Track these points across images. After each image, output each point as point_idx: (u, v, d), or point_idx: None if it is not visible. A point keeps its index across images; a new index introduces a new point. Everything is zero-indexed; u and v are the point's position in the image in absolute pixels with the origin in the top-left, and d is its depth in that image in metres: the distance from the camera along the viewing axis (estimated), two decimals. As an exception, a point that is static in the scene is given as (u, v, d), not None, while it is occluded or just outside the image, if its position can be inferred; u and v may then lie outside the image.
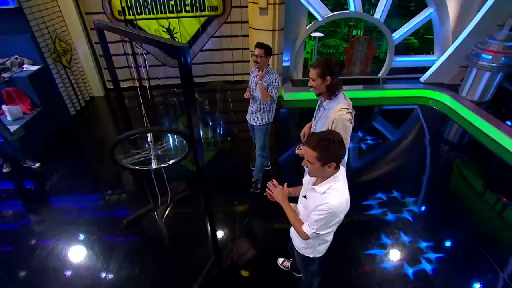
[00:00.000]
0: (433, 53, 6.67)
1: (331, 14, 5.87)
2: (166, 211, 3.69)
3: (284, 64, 6.30)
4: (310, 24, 6.00)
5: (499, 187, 4.15)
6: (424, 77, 6.35)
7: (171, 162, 2.91)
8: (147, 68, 6.38)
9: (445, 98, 5.91)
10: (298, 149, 2.76)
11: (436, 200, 3.86)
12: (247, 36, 6.20)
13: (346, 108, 2.40)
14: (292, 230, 2.29)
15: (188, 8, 5.94)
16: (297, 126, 5.47)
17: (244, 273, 3.01)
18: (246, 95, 3.53)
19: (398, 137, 5.24)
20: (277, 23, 5.42)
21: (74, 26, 5.61)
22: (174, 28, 6.08)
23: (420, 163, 4.53)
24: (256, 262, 3.06)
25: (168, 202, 3.61)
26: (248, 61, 6.58)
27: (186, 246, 3.30)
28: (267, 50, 3.20)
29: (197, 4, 5.92)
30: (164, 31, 6.10)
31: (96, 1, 5.70)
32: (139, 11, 5.88)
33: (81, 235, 3.44)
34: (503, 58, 5.14)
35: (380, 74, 6.73)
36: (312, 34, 6.27)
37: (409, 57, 6.76)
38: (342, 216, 1.84)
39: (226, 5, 6.00)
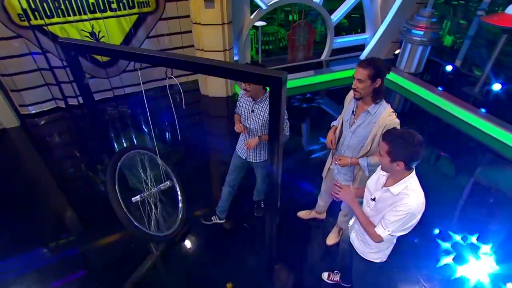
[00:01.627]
0: (360, 32, 7.10)
1: (275, 1, 5.64)
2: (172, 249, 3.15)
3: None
4: (254, 13, 5.69)
5: (436, 141, 4.87)
6: (363, 55, 6.71)
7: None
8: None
9: (393, 76, 6.38)
10: (337, 160, 2.57)
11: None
12: (188, 32, 5.56)
13: (394, 112, 2.26)
14: (352, 236, 2.23)
15: (113, 5, 4.97)
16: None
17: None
18: (237, 129, 2.79)
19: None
20: (225, 16, 4.95)
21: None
22: (99, 32, 5.06)
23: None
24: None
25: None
26: (193, 60, 5.98)
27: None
28: None
29: (124, 1, 5.00)
30: (88, 36, 5.03)
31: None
32: (49, 13, 4.67)
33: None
34: (431, 33, 5.72)
35: (323, 57, 6.87)
36: (255, 24, 5.97)
37: (347, 37, 7.03)
38: (419, 217, 1.78)
39: (159, 0, 5.22)
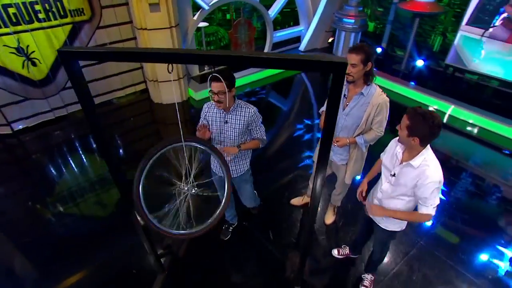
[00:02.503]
0: (292, 25, 7.53)
1: (217, 0, 5.61)
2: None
3: (181, 62, 5.72)
4: (197, 14, 5.58)
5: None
6: (302, 46, 7.13)
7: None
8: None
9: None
10: (335, 142, 2.71)
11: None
12: (132, 39, 5.21)
13: (383, 92, 2.52)
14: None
15: (41, 15, 4.37)
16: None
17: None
18: (203, 134, 2.47)
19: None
20: (172, 19, 4.77)
21: None
22: (28, 46, 4.41)
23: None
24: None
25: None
26: (139, 68, 5.62)
27: None
28: (230, 81, 2.29)
29: (54, 9, 4.43)
30: (14, 53, 4.34)
31: None
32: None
33: None
34: (360, 20, 6.37)
35: (265, 52, 7.08)
36: (199, 25, 5.86)
37: (284, 31, 7.35)
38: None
39: (95, 7, 4.75)
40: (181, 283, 2.95)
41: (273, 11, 6.67)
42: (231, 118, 2.48)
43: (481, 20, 5.13)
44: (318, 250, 3.22)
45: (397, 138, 2.11)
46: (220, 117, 2.50)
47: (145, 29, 4.74)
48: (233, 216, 3.34)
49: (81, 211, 3.70)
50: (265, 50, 7.07)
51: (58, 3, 4.46)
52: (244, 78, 6.24)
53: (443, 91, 5.57)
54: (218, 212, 2.32)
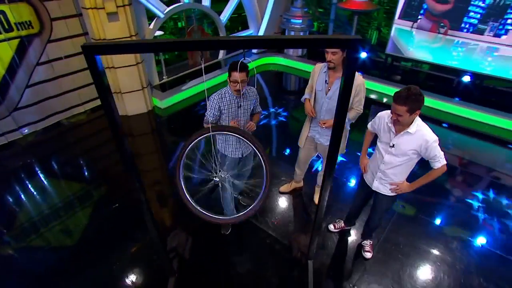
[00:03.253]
0: (241, 29, 7.83)
1: (171, 8, 5.63)
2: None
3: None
4: (153, 23, 5.54)
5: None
6: (255, 48, 7.43)
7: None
8: None
9: (281, 60, 7.29)
10: (323, 124, 2.98)
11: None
12: (87, 51, 4.97)
13: (359, 74, 2.86)
14: (376, 185, 2.66)
15: (-17, 31, 4.00)
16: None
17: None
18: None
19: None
20: (132, 28, 4.70)
21: None
22: (-29, 66, 3.99)
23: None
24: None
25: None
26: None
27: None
28: (248, 71, 2.63)
29: (-2, 23, 4.08)
30: (-45, 74, 3.89)
31: None
32: None
33: None
34: (307, 20, 6.89)
35: (220, 57, 7.24)
36: (155, 34, 5.80)
37: (235, 35, 7.58)
38: None
39: (44, 19, 4.47)
40: (194, 283, 2.95)
41: (225, 16, 6.87)
42: (244, 102, 2.79)
43: (410, 14, 5.95)
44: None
45: (383, 115, 2.46)
46: (234, 103, 2.78)
47: (104, 39, 4.59)
48: (232, 211, 3.43)
49: (47, 242, 3.37)
50: (220, 55, 7.25)
51: (1, 16, 4.12)
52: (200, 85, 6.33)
53: (385, 77, 6.33)
54: (262, 192, 2.45)
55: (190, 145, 2.34)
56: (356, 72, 2.83)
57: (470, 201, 3.83)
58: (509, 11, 5.12)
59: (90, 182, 4.20)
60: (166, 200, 3.91)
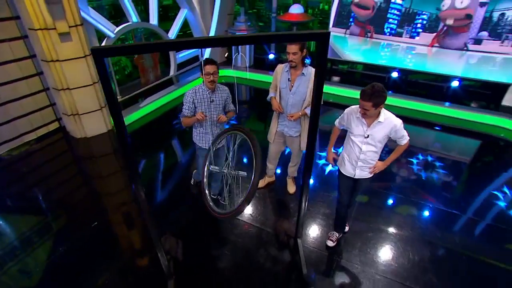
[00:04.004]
0: None
1: (120, 27, 5.67)
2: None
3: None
4: (104, 42, 5.51)
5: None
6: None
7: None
8: None
9: (230, 72, 7.63)
10: (291, 117, 3.34)
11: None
12: (36, 75, 4.76)
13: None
14: (358, 172, 2.88)
15: None
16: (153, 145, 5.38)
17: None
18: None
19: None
20: (86, 48, 4.65)
21: None
22: None
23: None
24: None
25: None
26: (50, 105, 5.12)
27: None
28: (217, 66, 3.05)
29: None
30: None
31: None
32: None
33: None
34: (252, 30, 7.41)
35: (171, 73, 7.35)
36: (106, 53, 5.74)
37: (184, 51, 7.77)
38: None
39: (-14, 43, 4.22)
40: (192, 283, 3.03)
41: (173, 34, 7.06)
42: (216, 97, 3.10)
43: (341, 22, 6.80)
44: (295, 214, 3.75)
45: (351, 110, 2.74)
46: (206, 98, 3.11)
47: (57, 60, 4.47)
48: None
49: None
50: (171, 72, 7.37)
51: None
52: (159, 101, 6.41)
53: (327, 80, 7.07)
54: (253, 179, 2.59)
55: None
56: (311, 68, 3.30)
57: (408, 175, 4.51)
58: (417, 17, 6.18)
59: (49, 213, 3.94)
60: (133, 222, 3.77)
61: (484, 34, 5.79)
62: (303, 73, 3.25)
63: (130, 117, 5.78)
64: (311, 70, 3.27)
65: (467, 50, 6.02)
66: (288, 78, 3.34)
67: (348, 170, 2.94)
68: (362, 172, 2.90)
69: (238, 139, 2.72)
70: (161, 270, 2.83)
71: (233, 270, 3.14)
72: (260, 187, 4.17)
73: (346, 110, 2.80)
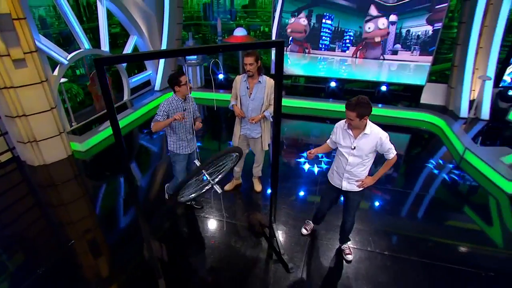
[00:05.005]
0: (137, 72, 8.31)
1: (73, 54, 5.73)
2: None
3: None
4: (57, 70, 5.51)
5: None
6: (157, 87, 8.02)
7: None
8: None
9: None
10: (252, 121, 3.80)
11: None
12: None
13: (270, 78, 3.81)
14: (345, 185, 2.97)
15: None
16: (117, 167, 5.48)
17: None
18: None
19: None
20: (42, 74, 4.68)
21: None
22: None
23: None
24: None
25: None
26: (2, 134, 4.94)
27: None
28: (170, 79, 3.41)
29: None
30: None
31: None
32: None
33: None
34: (201, 56, 7.88)
35: (125, 98, 7.44)
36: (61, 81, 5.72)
37: (136, 76, 7.92)
38: None
39: None
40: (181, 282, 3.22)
41: (124, 59, 7.22)
42: (188, 106, 3.46)
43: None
44: (265, 208, 4.16)
45: (340, 124, 2.88)
46: (180, 107, 3.45)
47: (11, 87, 4.43)
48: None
49: None
50: (125, 97, 7.47)
51: None
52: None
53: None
54: None
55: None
56: (266, 76, 3.83)
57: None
58: (345, 34, 7.22)
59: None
60: (100, 249, 3.69)
61: (398, 46, 7.00)
62: (259, 81, 3.75)
63: (94, 139, 5.79)
64: (266, 78, 3.79)
65: (384, 59, 7.19)
66: (247, 87, 3.81)
67: (335, 181, 3.05)
68: (348, 185, 2.97)
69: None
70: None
71: (217, 262, 3.40)
72: (229, 190, 4.50)
73: (336, 124, 2.94)
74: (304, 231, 3.73)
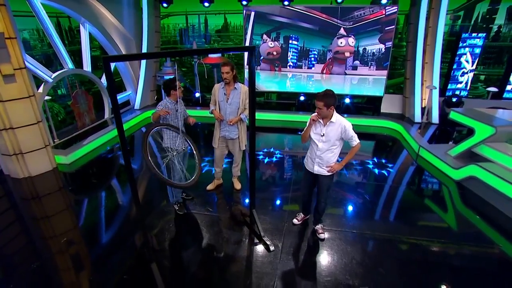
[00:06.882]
0: (125, 90, 8.67)
1: (58, 73, 6.04)
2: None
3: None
4: (41, 87, 5.78)
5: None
6: (137, 105, 8.35)
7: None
8: None
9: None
10: (231, 123, 4.29)
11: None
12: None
13: (244, 85, 4.36)
14: (317, 169, 3.40)
15: None
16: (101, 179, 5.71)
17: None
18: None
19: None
20: (30, 89, 4.95)
21: None
22: None
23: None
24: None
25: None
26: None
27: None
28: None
29: None
30: None
31: None
32: None
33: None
34: (179, 76, 8.38)
35: (106, 116, 7.72)
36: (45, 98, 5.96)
37: (120, 94, 8.25)
38: None
39: None
40: (173, 267, 3.50)
41: (105, 80, 7.57)
42: (179, 108, 3.87)
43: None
44: (245, 201, 4.55)
45: (312, 116, 3.21)
46: (174, 108, 3.87)
47: (0, 101, 4.66)
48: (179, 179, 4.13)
49: None
50: (106, 115, 7.74)
51: None
52: (102, 138, 6.73)
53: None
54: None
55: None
56: (241, 83, 4.37)
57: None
58: (310, 53, 8.05)
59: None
60: (83, 263, 3.65)
61: (357, 62, 7.89)
62: (235, 88, 4.27)
63: (78, 153, 6.01)
64: (241, 85, 4.32)
65: (346, 74, 8.04)
66: (224, 93, 4.32)
67: (309, 165, 3.49)
68: (320, 169, 3.39)
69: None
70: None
71: (204, 251, 3.70)
72: (211, 189, 4.86)
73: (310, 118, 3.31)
74: (295, 221, 4.06)
